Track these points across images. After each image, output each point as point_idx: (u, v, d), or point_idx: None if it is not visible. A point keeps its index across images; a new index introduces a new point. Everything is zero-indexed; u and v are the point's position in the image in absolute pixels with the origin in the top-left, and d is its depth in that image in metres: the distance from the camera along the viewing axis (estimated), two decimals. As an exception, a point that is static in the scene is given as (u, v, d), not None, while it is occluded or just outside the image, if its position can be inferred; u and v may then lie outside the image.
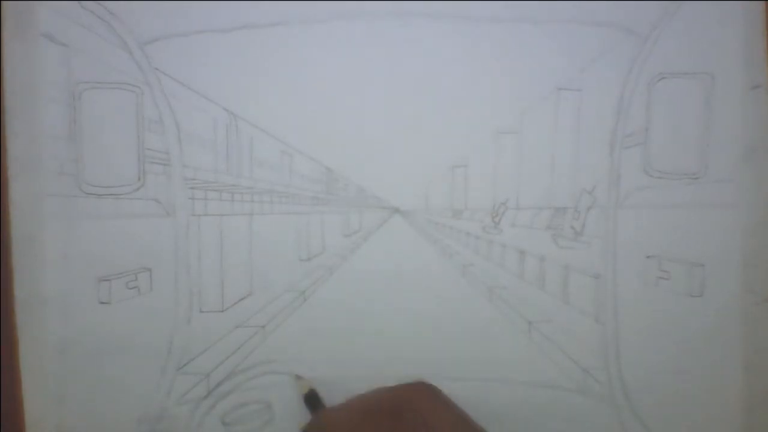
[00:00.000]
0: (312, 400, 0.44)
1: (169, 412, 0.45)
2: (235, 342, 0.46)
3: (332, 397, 0.45)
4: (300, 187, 0.49)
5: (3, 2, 0.43)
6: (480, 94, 0.46)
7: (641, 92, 0.45)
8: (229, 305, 0.47)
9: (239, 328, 0.46)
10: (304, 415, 0.44)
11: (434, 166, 0.47)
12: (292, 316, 0.46)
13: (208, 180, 0.46)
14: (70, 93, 0.44)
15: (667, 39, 0.44)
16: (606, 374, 0.46)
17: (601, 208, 0.46)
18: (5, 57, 0.43)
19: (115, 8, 0.44)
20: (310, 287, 0.47)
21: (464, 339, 0.46)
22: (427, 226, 0.49)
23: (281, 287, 0.47)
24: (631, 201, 0.45)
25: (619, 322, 0.45)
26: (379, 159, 0.46)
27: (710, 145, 0.44)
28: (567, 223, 0.46)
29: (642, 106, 0.45)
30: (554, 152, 0.46)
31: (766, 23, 0.44)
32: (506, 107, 0.46)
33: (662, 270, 0.45)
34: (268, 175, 0.48)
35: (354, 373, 0.46)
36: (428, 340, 0.47)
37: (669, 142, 0.45)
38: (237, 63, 0.45)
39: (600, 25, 0.45)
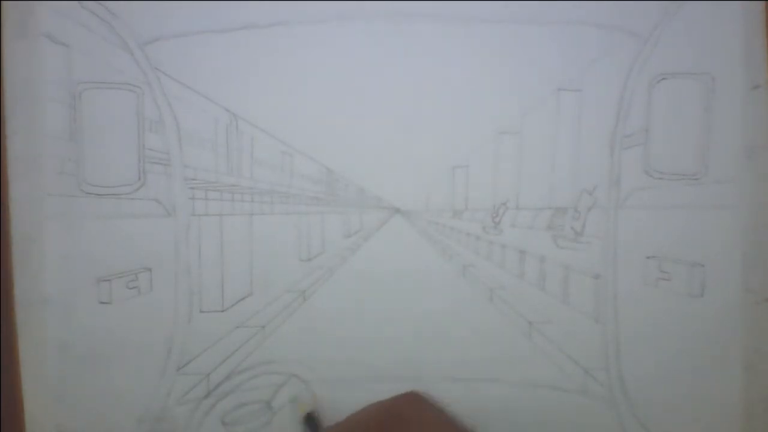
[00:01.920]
0: (311, 421, 0.44)
1: (169, 412, 0.45)
2: (235, 342, 0.46)
3: (332, 397, 0.45)
4: (300, 187, 0.49)
5: (3, 2, 0.43)
6: (480, 94, 0.46)
7: (642, 93, 0.45)
8: (230, 305, 0.46)
9: (239, 329, 0.46)
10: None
11: (435, 166, 0.47)
12: (292, 316, 0.46)
13: (209, 180, 0.46)
14: (71, 93, 0.44)
15: (667, 40, 0.44)
16: (606, 374, 0.46)
17: (602, 208, 0.46)
18: (5, 57, 0.43)
19: (116, 8, 0.44)
20: (310, 287, 0.47)
21: (464, 339, 0.46)
22: (427, 226, 0.49)
23: (281, 287, 0.47)
24: (632, 201, 0.45)
25: (619, 323, 0.45)
26: (380, 159, 0.46)
27: (710, 146, 0.44)
28: (567, 224, 0.46)
29: (642, 107, 0.45)
30: (554, 153, 0.46)
31: (767, 23, 0.44)
32: (507, 108, 0.46)
33: (662, 270, 0.45)
34: (269, 175, 0.48)
35: (354, 373, 0.46)
36: (428, 340, 0.47)
37: (669, 143, 0.45)
38: (238, 63, 0.45)
39: (600, 26, 0.45)
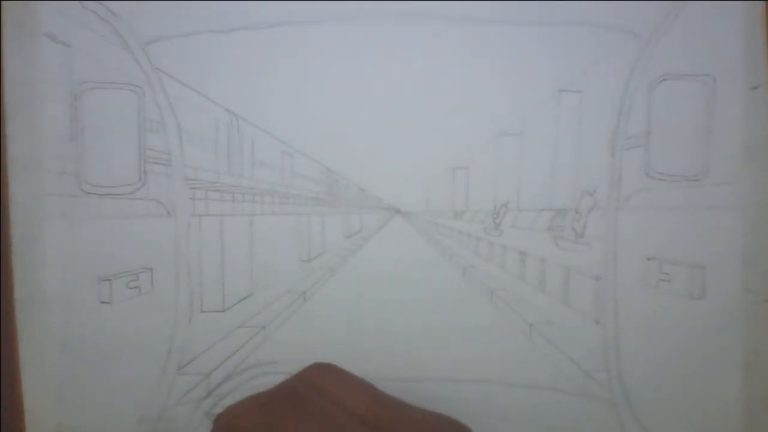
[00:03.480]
0: None
1: (170, 412, 0.45)
2: (235, 342, 0.46)
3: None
4: (301, 187, 0.49)
5: (3, 2, 0.43)
6: (481, 95, 0.46)
7: (642, 94, 0.45)
8: (230, 305, 0.47)
9: (240, 329, 0.46)
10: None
11: (435, 167, 0.47)
12: (292, 316, 0.46)
13: (210, 180, 0.46)
14: (72, 93, 0.44)
15: (668, 41, 0.44)
16: (606, 376, 0.46)
17: (602, 209, 0.46)
18: (5, 57, 0.43)
19: (117, 8, 0.44)
20: (310, 288, 0.47)
21: (465, 340, 0.46)
22: (428, 227, 0.49)
23: (282, 288, 0.47)
24: (632, 203, 0.45)
25: (619, 324, 0.45)
26: (381, 160, 0.46)
27: (711, 147, 0.44)
28: (568, 225, 0.46)
29: (643, 108, 0.45)
30: (555, 154, 0.46)
31: (767, 23, 0.44)
32: (507, 109, 0.46)
33: (663, 272, 0.45)
34: (269, 175, 0.48)
35: (354, 373, 0.46)
36: (429, 341, 0.47)
37: (670, 144, 0.45)
38: (239, 63, 0.45)
39: (601, 27, 0.45)
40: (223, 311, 0.46)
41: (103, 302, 0.45)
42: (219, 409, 0.45)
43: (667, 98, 0.45)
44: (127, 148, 0.45)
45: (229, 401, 0.46)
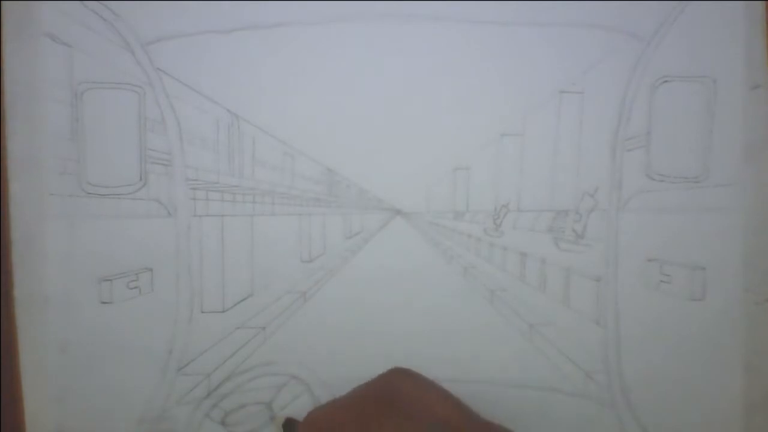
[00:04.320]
0: (290, 425, 0.43)
1: (170, 412, 0.45)
2: (235, 343, 0.46)
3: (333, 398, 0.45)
4: (302, 188, 0.49)
5: (4, 2, 0.43)
6: (482, 96, 0.46)
7: (643, 95, 0.45)
8: (230, 306, 0.46)
9: (240, 329, 0.46)
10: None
11: (436, 168, 0.47)
12: (292, 317, 0.46)
13: (210, 181, 0.46)
14: (72, 93, 0.44)
15: (669, 42, 0.44)
16: (606, 377, 0.46)
17: (603, 210, 0.46)
18: (6, 57, 0.43)
19: (118, 8, 0.44)
20: (311, 288, 0.47)
21: (465, 341, 0.47)
22: (428, 228, 0.49)
23: (282, 288, 0.47)
24: (633, 204, 0.45)
25: (620, 326, 0.45)
26: (382, 161, 0.46)
27: (712, 149, 0.44)
28: (568, 226, 0.46)
29: (644, 109, 0.45)
30: (556, 155, 0.46)
31: (767, 23, 0.44)
32: (508, 110, 0.46)
33: (663, 273, 0.45)
34: (270, 176, 0.48)
35: (354, 374, 0.46)
36: (429, 342, 0.47)
37: (671, 146, 0.45)
38: (240, 64, 0.45)
39: (602, 28, 0.45)
40: (224, 312, 0.46)
41: (103, 302, 0.45)
42: (219, 410, 0.46)
43: (667, 99, 0.45)
44: (127, 148, 0.45)
45: (229, 402, 0.46)
